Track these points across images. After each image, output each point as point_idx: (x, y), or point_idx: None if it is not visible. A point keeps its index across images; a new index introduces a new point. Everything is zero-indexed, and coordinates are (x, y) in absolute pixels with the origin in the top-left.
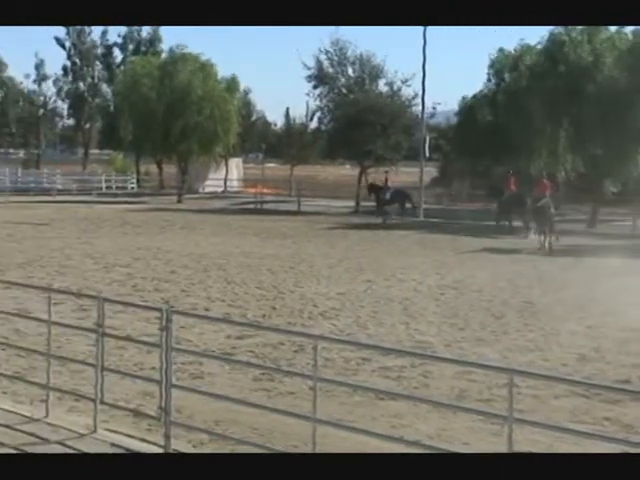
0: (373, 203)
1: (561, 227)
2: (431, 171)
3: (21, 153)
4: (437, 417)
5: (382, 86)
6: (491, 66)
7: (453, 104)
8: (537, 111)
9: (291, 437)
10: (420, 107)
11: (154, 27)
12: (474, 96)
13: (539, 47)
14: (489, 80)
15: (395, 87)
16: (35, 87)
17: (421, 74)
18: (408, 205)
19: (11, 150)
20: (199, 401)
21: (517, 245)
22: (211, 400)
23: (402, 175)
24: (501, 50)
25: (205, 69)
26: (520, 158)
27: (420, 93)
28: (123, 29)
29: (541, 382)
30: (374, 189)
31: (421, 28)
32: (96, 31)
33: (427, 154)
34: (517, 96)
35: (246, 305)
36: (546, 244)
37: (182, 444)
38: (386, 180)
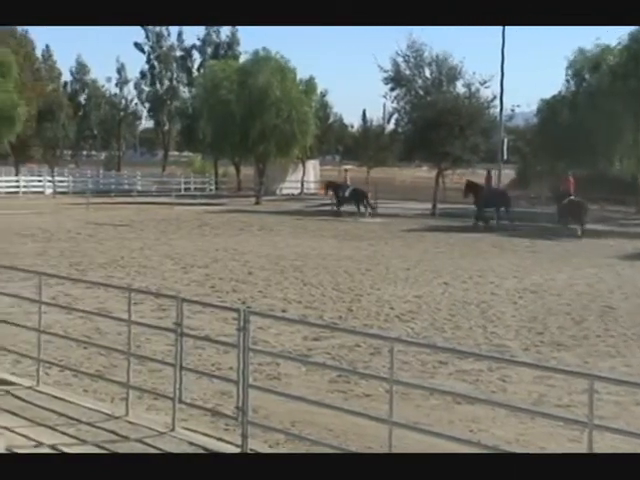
0: (451, 205)
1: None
2: (509, 173)
3: (102, 155)
4: (515, 422)
5: (460, 87)
6: (570, 67)
7: (532, 106)
8: (619, 112)
9: (366, 439)
10: (498, 109)
11: (233, 30)
12: (553, 97)
13: (619, 47)
14: (568, 81)
15: (473, 88)
16: (116, 90)
17: (499, 75)
18: (365, 205)
19: (93, 152)
20: (275, 402)
21: (595, 248)
22: (287, 401)
23: (479, 177)
24: (581, 51)
25: (283, 71)
26: (601, 160)
27: (498, 94)
28: (202, 32)
29: (622, 388)
30: (332, 187)
31: (500, 28)
32: (174, 35)
33: (505, 156)
34: (599, 97)
35: (323, 307)
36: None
37: (258, 444)
38: (345, 178)
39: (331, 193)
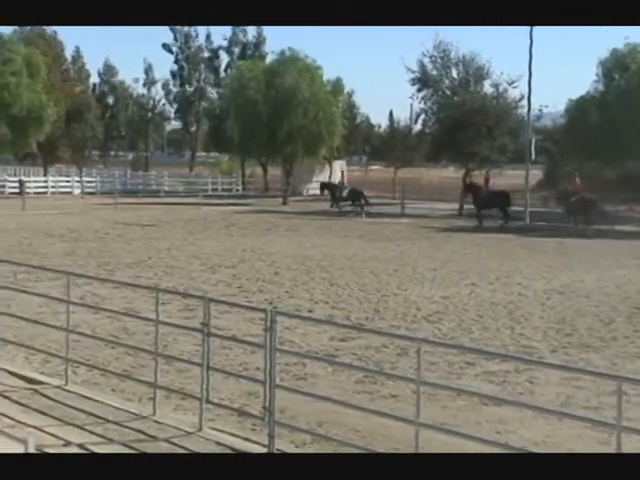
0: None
1: None
2: (537, 174)
3: (130, 155)
4: (543, 424)
5: (487, 87)
6: (599, 66)
7: (560, 105)
8: None
9: (393, 440)
10: (526, 109)
11: (259, 30)
12: (582, 97)
13: None
14: (597, 80)
15: (501, 88)
16: (144, 91)
17: (527, 75)
18: (362, 204)
19: (121, 153)
20: (302, 402)
21: (624, 250)
22: (314, 401)
23: (507, 177)
24: (612, 50)
25: (310, 71)
26: (630, 160)
27: (526, 94)
28: (228, 33)
29: None
30: (329, 187)
31: (527, 28)
32: (202, 35)
33: (533, 156)
34: (629, 96)
35: (349, 307)
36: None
37: (285, 444)
38: (342, 178)
39: (327, 192)
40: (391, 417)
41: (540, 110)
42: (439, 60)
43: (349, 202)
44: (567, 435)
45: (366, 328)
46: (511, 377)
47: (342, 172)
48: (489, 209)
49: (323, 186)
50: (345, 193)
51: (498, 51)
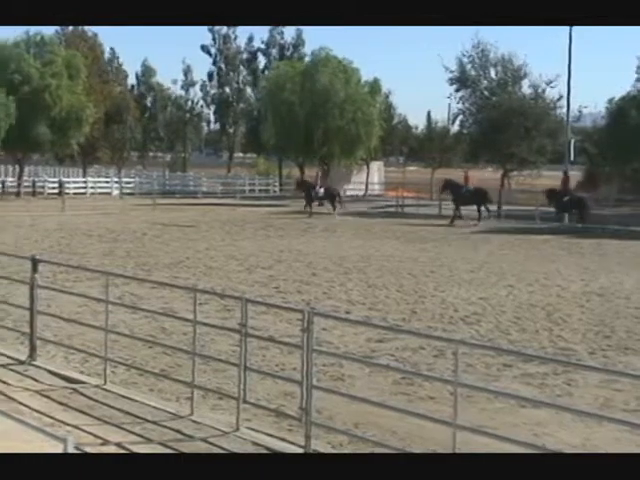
0: (516, 207)
1: None
2: (576, 175)
3: (168, 156)
4: (581, 426)
5: (526, 88)
6: None
7: (600, 106)
8: None
9: (430, 442)
10: (565, 109)
11: (297, 31)
12: (622, 98)
13: None
14: (639, 80)
15: (539, 89)
16: (182, 92)
17: (566, 75)
18: (336, 203)
19: (159, 154)
20: (339, 403)
21: None
22: (351, 402)
23: (545, 179)
24: None
25: (347, 72)
26: None
27: (565, 95)
28: (266, 34)
29: None
30: (304, 186)
31: (566, 28)
32: (241, 37)
33: (572, 157)
34: None
35: (386, 308)
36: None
37: (322, 445)
38: (316, 177)
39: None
40: (428, 419)
41: (580, 111)
42: (477, 60)
43: (324, 201)
44: (605, 438)
45: (403, 329)
46: (549, 379)
47: (317, 172)
48: (468, 206)
49: (299, 184)
50: (320, 192)
51: (536, 51)
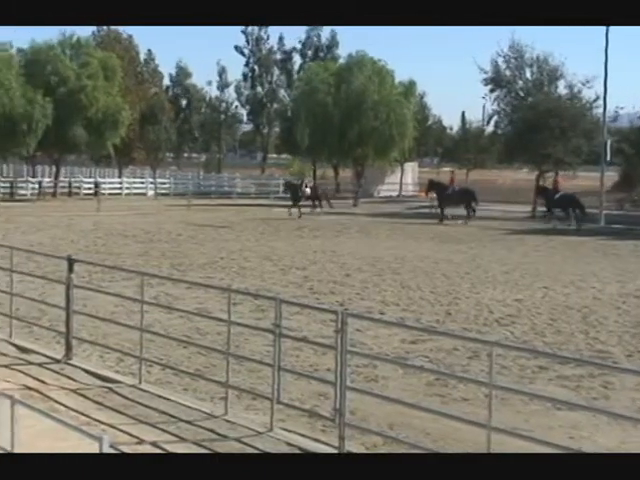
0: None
1: None
2: (612, 176)
3: (203, 157)
4: (618, 430)
5: (561, 88)
6: None
7: (637, 106)
8: None
9: (465, 444)
10: (602, 109)
11: (332, 32)
12: None
13: None
14: None
15: (575, 89)
16: (217, 93)
17: (603, 75)
18: (321, 203)
19: (194, 154)
20: (373, 404)
21: None
22: (384, 403)
23: (581, 180)
24: None
25: (381, 74)
26: None
27: (602, 95)
28: (303, 35)
29: None
30: (290, 186)
31: (603, 28)
32: (274, 38)
33: (608, 158)
34: None
35: (420, 310)
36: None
37: (356, 446)
38: (302, 182)
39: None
40: (462, 420)
41: (616, 111)
42: (513, 60)
43: (310, 201)
44: None
45: (437, 330)
46: (585, 382)
47: (304, 174)
48: (455, 206)
49: (286, 186)
50: (307, 192)
51: (572, 51)
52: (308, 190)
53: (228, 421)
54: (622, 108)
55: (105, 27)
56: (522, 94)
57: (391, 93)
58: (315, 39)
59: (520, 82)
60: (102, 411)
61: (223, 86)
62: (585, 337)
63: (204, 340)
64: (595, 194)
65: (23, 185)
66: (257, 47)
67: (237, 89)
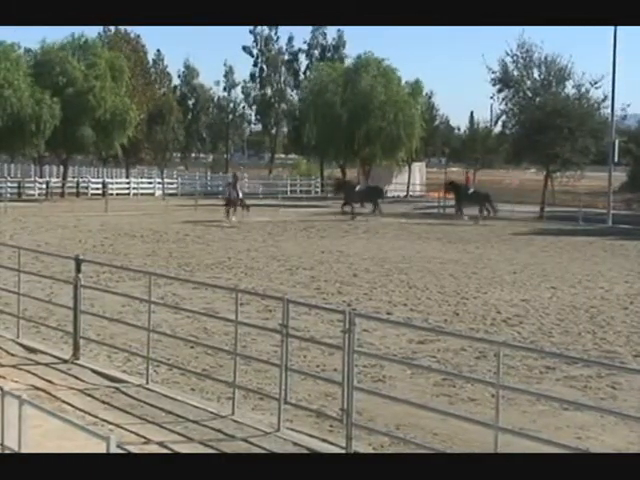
0: (560, 208)
1: None
2: (620, 176)
3: (210, 157)
4: (626, 430)
5: (569, 89)
6: None
7: None
8: None
9: (472, 444)
10: (610, 109)
11: (339, 32)
12: None
13: None
14: None
15: (583, 89)
16: (224, 94)
17: (611, 76)
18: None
19: (201, 155)
20: (380, 404)
21: None
22: (392, 403)
23: (588, 180)
24: None
25: (388, 74)
26: None
27: (610, 95)
28: (308, 35)
29: None
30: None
31: (611, 27)
32: (283, 38)
33: (616, 158)
34: None
35: (428, 310)
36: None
37: (363, 446)
38: (235, 180)
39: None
40: (470, 421)
41: (623, 109)
42: (521, 60)
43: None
44: None
45: (445, 331)
46: (593, 382)
47: (234, 174)
48: (363, 202)
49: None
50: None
51: (580, 51)
52: (235, 193)
53: (235, 421)
54: (629, 105)
55: (113, 27)
56: (530, 94)
57: (398, 93)
58: (321, 39)
59: (528, 82)
60: (109, 411)
61: (230, 86)
62: (592, 337)
63: (211, 340)
64: (603, 194)
65: (31, 185)
66: (266, 47)
67: (244, 89)
